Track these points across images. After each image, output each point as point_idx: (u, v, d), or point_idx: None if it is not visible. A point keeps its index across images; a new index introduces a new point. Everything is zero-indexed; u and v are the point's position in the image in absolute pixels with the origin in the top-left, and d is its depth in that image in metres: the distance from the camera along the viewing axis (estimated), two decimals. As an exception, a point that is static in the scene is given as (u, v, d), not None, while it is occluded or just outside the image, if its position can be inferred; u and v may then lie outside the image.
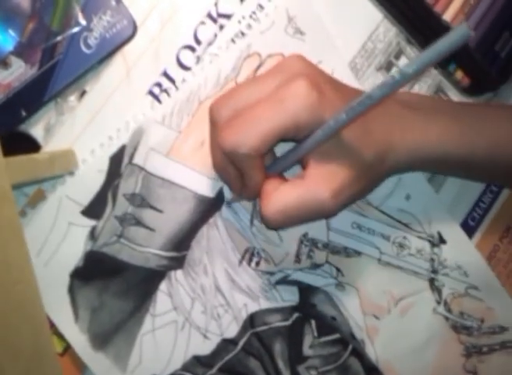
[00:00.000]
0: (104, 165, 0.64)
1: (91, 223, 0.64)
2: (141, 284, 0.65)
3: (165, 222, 0.65)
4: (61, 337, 0.65)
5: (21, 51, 0.60)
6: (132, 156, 0.64)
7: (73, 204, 0.63)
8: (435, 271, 0.69)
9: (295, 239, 0.67)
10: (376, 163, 0.58)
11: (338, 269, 0.68)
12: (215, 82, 0.65)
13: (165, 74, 0.64)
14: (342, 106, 0.53)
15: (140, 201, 0.64)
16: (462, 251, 0.70)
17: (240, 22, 0.65)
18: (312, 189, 0.56)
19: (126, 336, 0.65)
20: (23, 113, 0.61)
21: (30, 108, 0.61)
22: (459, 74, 0.67)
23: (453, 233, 0.69)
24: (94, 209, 0.64)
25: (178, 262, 0.65)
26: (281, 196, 0.57)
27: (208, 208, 0.65)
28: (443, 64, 0.67)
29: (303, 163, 0.59)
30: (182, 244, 0.65)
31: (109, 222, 0.64)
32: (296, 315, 0.68)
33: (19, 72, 0.60)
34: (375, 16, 0.67)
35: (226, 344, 0.67)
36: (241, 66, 0.65)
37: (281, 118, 0.54)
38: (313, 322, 0.68)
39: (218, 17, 0.65)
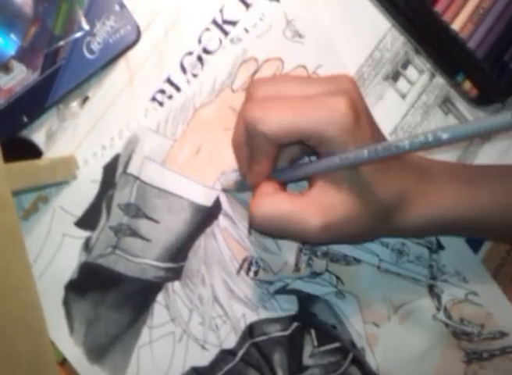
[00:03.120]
0: (98, 175, 0.62)
1: (85, 234, 0.62)
2: (138, 296, 0.63)
3: (162, 232, 0.63)
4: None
5: (23, 56, 0.59)
6: (126, 165, 0.63)
7: (67, 215, 0.62)
8: (434, 277, 0.69)
9: (294, 248, 0.66)
10: (380, 219, 0.56)
11: (338, 278, 0.67)
12: (210, 89, 0.64)
13: (169, 81, 0.63)
14: (368, 141, 0.52)
15: (135, 211, 0.63)
16: (460, 257, 0.69)
17: (246, 29, 0.64)
18: (305, 212, 0.54)
19: (122, 348, 0.64)
20: (25, 119, 0.60)
21: (32, 113, 0.60)
22: (467, 85, 0.66)
23: (451, 239, 0.69)
24: (88, 220, 0.62)
25: (175, 273, 0.64)
26: (274, 203, 0.55)
27: (205, 217, 0.64)
28: (451, 74, 0.66)
29: (310, 181, 0.58)
30: (179, 254, 0.64)
31: (104, 233, 0.63)
32: (295, 324, 0.67)
33: (20, 77, 0.59)
34: (383, 25, 0.66)
35: (225, 355, 0.66)
36: (237, 72, 0.64)
37: (311, 119, 0.52)
38: (313, 331, 0.67)
39: (223, 24, 0.64)
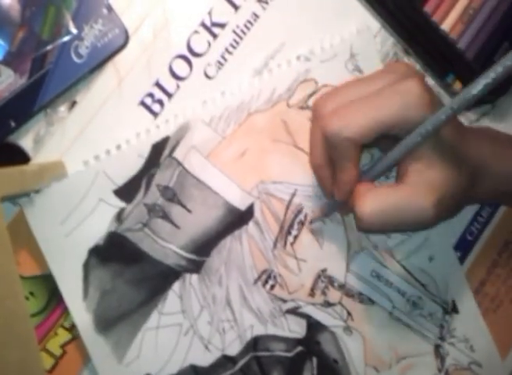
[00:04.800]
0: (146, 151, 0.63)
1: (121, 204, 0.62)
2: (155, 279, 0.63)
3: (192, 222, 0.63)
4: (49, 353, 0.64)
5: (10, 61, 0.59)
6: (173, 149, 0.63)
7: (108, 181, 0.62)
8: (442, 338, 0.68)
9: (313, 272, 0.66)
10: (472, 181, 0.57)
11: (349, 313, 0.66)
12: (267, 98, 0.64)
13: (158, 84, 0.64)
14: None
15: (171, 195, 0.63)
16: (473, 325, 0.69)
17: (234, 31, 0.65)
18: (414, 195, 0.55)
19: (129, 326, 0.63)
20: (12, 124, 0.60)
21: (19, 118, 0.60)
22: (457, 85, 0.66)
23: (468, 305, 0.68)
24: (126, 191, 0.62)
25: (196, 266, 0.64)
26: (379, 197, 0.55)
27: (236, 220, 0.64)
28: (441, 75, 0.66)
29: (399, 172, 0.58)
30: (203, 249, 0.64)
31: (138, 208, 0.62)
32: (299, 348, 0.66)
33: (8, 81, 0.59)
34: (373, 26, 0.67)
35: (226, 361, 0.64)
36: (296, 89, 0.65)
37: (390, 109, 0.53)
38: (314, 359, 0.66)
39: (211, 26, 0.65)
